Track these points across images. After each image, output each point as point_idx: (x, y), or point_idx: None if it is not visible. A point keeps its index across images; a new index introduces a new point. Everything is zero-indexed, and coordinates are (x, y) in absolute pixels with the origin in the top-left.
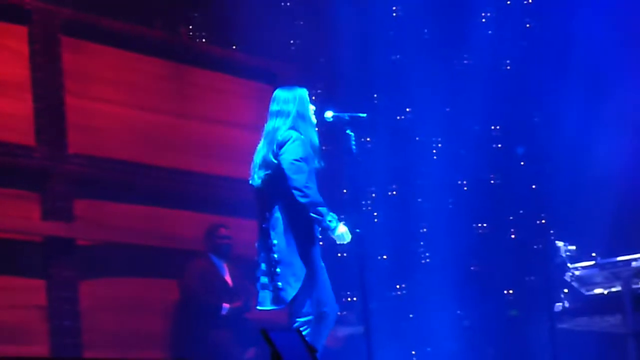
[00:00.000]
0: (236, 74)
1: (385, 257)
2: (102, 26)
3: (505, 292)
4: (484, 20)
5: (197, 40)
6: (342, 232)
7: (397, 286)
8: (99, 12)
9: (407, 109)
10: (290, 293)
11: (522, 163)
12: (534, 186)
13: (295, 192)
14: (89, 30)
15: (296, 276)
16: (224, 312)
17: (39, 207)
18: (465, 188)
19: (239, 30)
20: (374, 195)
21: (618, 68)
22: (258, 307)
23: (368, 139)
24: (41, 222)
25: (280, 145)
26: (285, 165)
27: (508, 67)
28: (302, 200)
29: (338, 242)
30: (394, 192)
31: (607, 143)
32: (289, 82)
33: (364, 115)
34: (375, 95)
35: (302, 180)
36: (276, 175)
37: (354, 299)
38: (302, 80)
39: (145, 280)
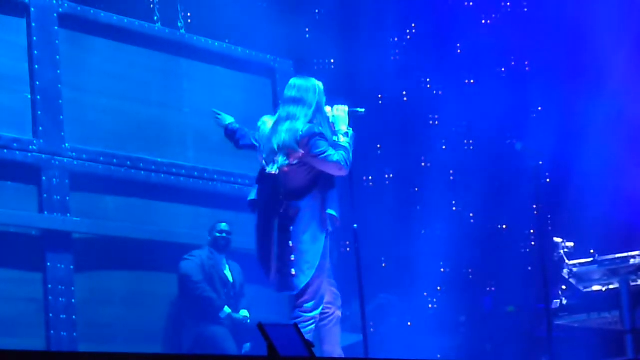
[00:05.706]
0: (234, 68)
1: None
2: (100, 19)
3: (501, 288)
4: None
5: (195, 33)
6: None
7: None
8: (96, 5)
9: (404, 98)
10: (303, 281)
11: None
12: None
13: (339, 171)
14: (86, 23)
15: (309, 264)
16: (222, 316)
17: (36, 200)
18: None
19: (236, 24)
20: (371, 184)
21: (614, 63)
22: (277, 291)
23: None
24: (38, 215)
25: (304, 137)
26: (315, 160)
27: (512, 63)
28: (344, 167)
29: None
30: (390, 176)
31: (602, 139)
32: (288, 77)
33: (362, 110)
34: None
35: (337, 164)
36: (296, 163)
37: None
38: (300, 74)
39: (141, 274)
